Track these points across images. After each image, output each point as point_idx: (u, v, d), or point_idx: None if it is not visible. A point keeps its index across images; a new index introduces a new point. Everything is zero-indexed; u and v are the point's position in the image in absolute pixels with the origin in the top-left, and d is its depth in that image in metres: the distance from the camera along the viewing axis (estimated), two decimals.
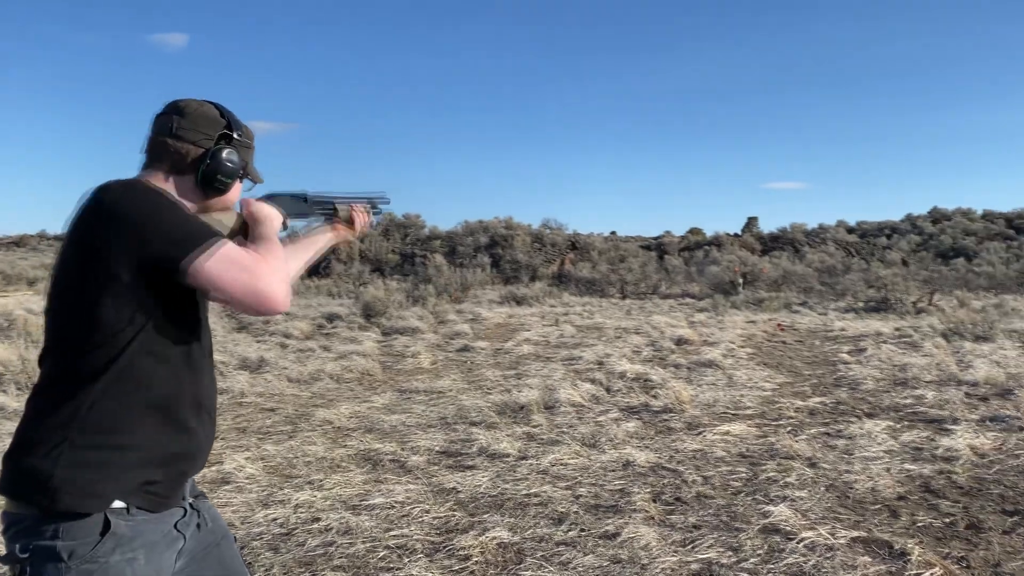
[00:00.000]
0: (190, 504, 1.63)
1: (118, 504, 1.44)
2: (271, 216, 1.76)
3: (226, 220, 1.71)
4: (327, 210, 1.98)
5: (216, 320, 12.29)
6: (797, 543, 3.53)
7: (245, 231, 1.74)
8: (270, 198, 1.84)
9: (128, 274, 1.42)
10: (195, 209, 1.65)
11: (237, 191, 1.73)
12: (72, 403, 1.43)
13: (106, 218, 1.42)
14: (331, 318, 13.06)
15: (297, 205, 1.91)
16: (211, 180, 1.62)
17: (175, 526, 1.56)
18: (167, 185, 1.61)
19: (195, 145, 1.61)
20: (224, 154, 1.62)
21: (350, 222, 2.02)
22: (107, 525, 1.42)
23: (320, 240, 1.98)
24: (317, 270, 25.74)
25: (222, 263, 1.44)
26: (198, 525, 1.64)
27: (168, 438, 1.52)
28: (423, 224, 30.49)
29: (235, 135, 1.66)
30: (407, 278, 21.67)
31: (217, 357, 8.78)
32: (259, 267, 1.48)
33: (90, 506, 1.42)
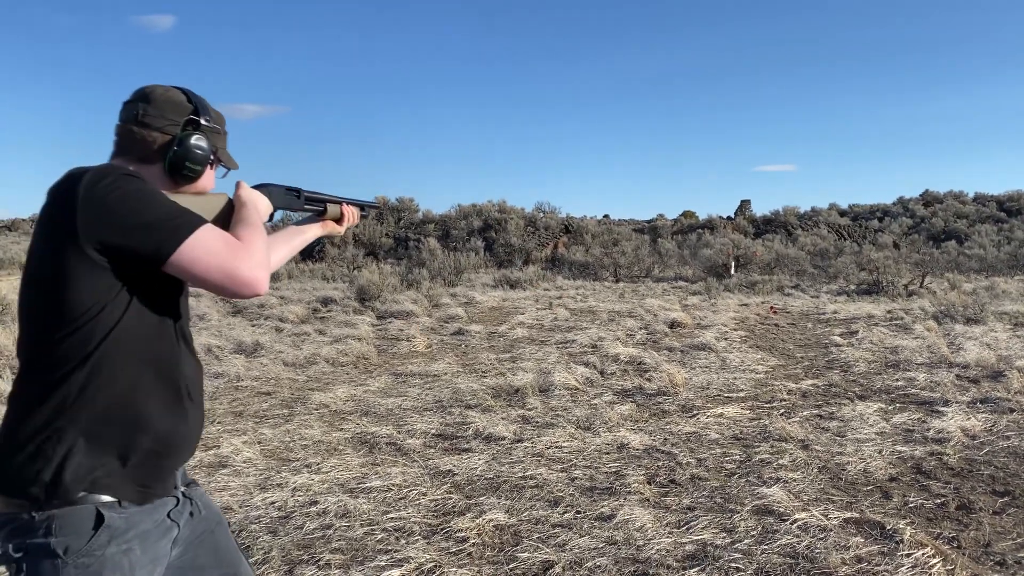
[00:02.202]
0: (182, 492, 1.62)
1: (108, 498, 1.43)
2: (258, 202, 1.74)
3: (212, 203, 1.68)
4: (317, 207, 2.02)
5: (211, 304, 12.28)
6: (790, 524, 3.57)
7: (231, 215, 1.71)
8: (264, 187, 1.83)
9: (103, 259, 1.40)
10: None
11: (210, 178, 1.69)
12: (56, 395, 1.41)
13: (81, 202, 1.38)
14: (326, 302, 13.05)
15: (289, 199, 1.92)
16: (179, 167, 1.59)
17: (168, 515, 1.55)
18: (137, 173, 1.56)
19: (161, 132, 1.58)
20: (192, 140, 1.59)
21: (339, 219, 2.07)
22: (100, 518, 1.42)
23: (308, 232, 2.02)
24: (311, 254, 25.67)
25: (200, 248, 1.42)
26: (191, 513, 1.63)
27: (156, 424, 1.49)
28: (417, 208, 30.41)
29: (203, 120, 1.62)
30: (401, 262, 21.64)
31: (212, 341, 8.78)
32: (238, 251, 1.46)
33: (83, 496, 1.41)
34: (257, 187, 1.81)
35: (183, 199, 1.57)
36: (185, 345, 1.60)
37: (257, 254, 1.49)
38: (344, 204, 2.07)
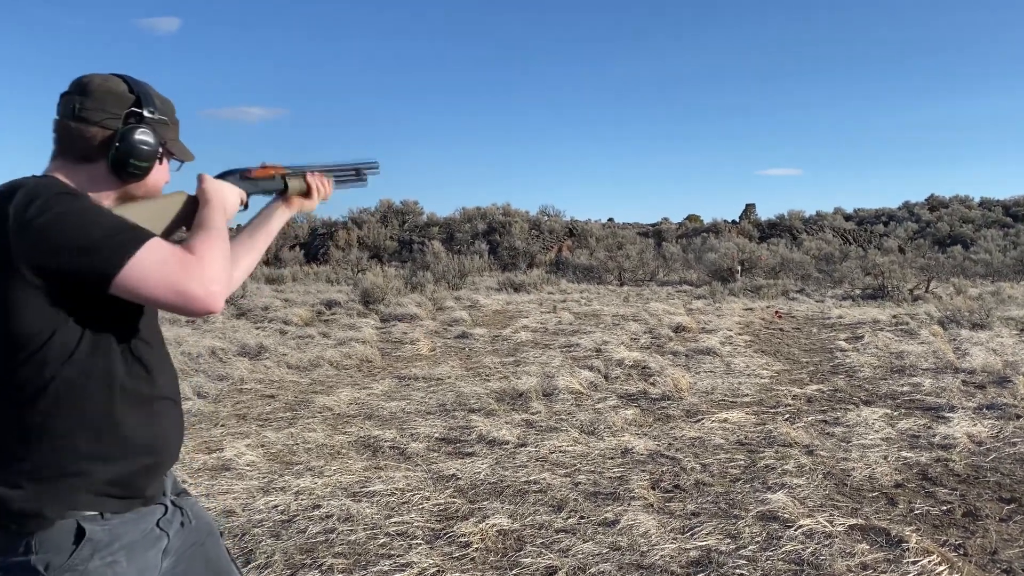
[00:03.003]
0: (172, 501, 1.56)
1: (89, 512, 1.39)
2: (226, 196, 1.59)
3: (168, 204, 1.55)
4: (276, 185, 1.80)
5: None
6: (795, 530, 3.55)
7: (193, 213, 1.56)
8: (229, 174, 1.70)
9: (45, 285, 1.31)
10: (115, 197, 1.50)
11: (162, 173, 1.55)
12: (20, 422, 1.36)
13: (12, 228, 1.29)
14: (330, 305, 13.06)
15: (247, 183, 1.73)
16: (124, 165, 1.45)
17: (157, 524, 1.50)
18: (78, 174, 1.46)
19: (101, 127, 1.44)
20: (135, 136, 1.45)
21: (306, 194, 1.84)
22: (80, 532, 1.37)
23: (273, 220, 1.81)
24: (315, 257, 25.71)
25: (145, 266, 1.30)
26: (182, 523, 1.57)
27: (127, 437, 1.43)
28: (421, 211, 30.48)
29: (146, 112, 1.48)
30: (405, 265, 21.66)
31: (216, 344, 8.78)
32: (190, 266, 1.34)
33: (61, 514, 1.36)
34: (222, 175, 1.69)
35: (133, 206, 1.48)
36: (151, 350, 1.51)
37: (211, 267, 1.36)
38: (308, 175, 1.84)
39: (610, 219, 43.86)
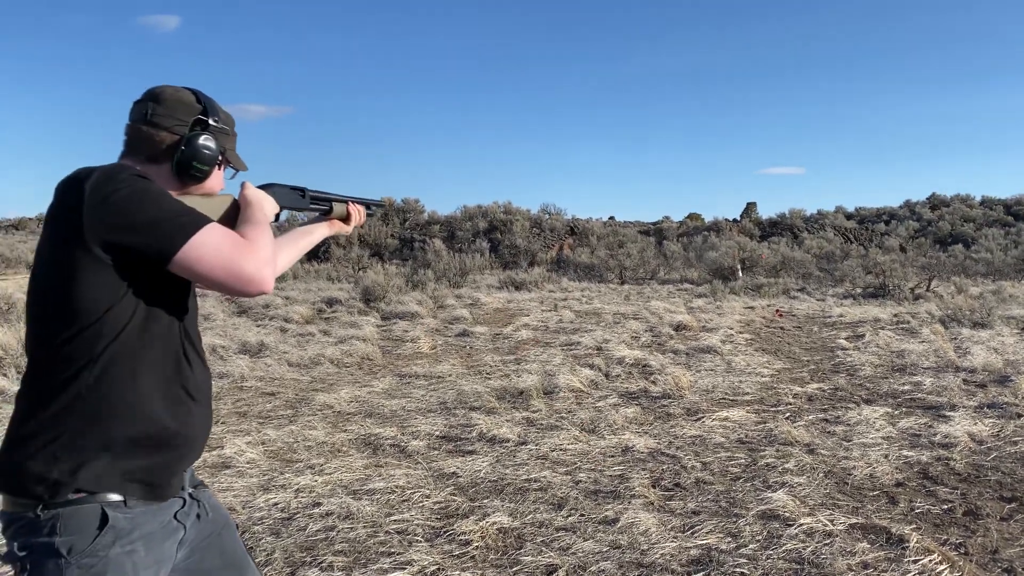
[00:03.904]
0: (190, 494, 1.62)
1: (114, 497, 1.43)
2: (264, 202, 1.73)
3: (218, 203, 1.68)
4: (323, 207, 2.03)
5: (216, 304, 12.29)
6: (796, 529, 3.55)
7: (237, 216, 1.71)
8: (269, 187, 1.83)
9: (109, 259, 1.40)
10: (175, 197, 1.59)
11: (218, 179, 1.69)
12: (63, 395, 1.42)
13: (87, 202, 1.38)
14: (331, 302, 13.06)
15: (294, 198, 1.92)
16: (187, 167, 1.59)
17: (175, 516, 1.55)
18: (144, 173, 1.55)
19: (170, 132, 1.58)
20: (200, 141, 1.59)
21: (345, 218, 2.08)
22: (104, 518, 1.41)
23: (316, 232, 2.03)
24: (316, 255, 25.69)
25: (205, 246, 1.42)
26: (198, 515, 1.63)
27: (163, 426, 1.49)
28: (422, 209, 30.44)
29: (211, 121, 1.62)
30: (406, 263, 21.64)
31: (217, 341, 8.78)
32: (243, 249, 1.46)
33: (89, 495, 1.41)
34: (262, 187, 1.81)
35: (190, 200, 1.57)
36: (192, 346, 1.60)
37: (262, 252, 1.49)
38: (350, 203, 2.07)
39: (611, 217, 43.89)
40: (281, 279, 18.96)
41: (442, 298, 13.56)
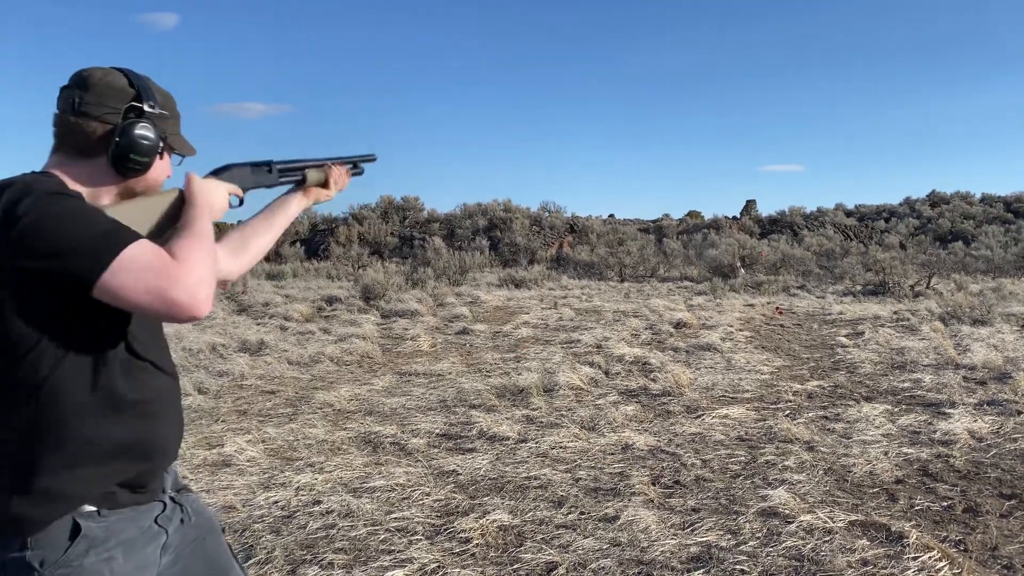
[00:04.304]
0: (171, 498, 1.56)
1: (87, 507, 1.38)
2: (212, 195, 1.57)
3: (158, 203, 1.52)
4: (295, 177, 1.85)
5: (216, 302, 12.27)
6: (795, 526, 3.55)
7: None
8: (225, 170, 1.68)
9: (30, 288, 1.30)
10: (116, 193, 1.49)
11: (164, 168, 1.54)
12: (10, 424, 1.35)
13: (3, 228, 1.28)
14: (330, 301, 13.06)
15: (259, 176, 1.75)
16: (124, 160, 1.43)
17: (155, 521, 1.49)
18: (77, 169, 1.44)
19: (100, 121, 1.43)
20: (136, 130, 1.43)
21: (324, 184, 1.90)
22: (76, 528, 1.36)
23: (291, 206, 1.86)
24: (316, 253, 25.71)
25: (127, 271, 1.27)
26: (181, 520, 1.57)
27: (118, 441, 1.41)
28: (422, 207, 30.46)
29: (147, 106, 1.46)
30: (406, 261, 21.65)
31: (217, 339, 8.79)
32: (171, 271, 1.30)
33: (59, 513, 1.36)
34: (218, 171, 1.67)
35: (128, 204, 1.47)
36: (141, 357, 1.47)
37: (195, 271, 1.32)
38: (328, 165, 1.89)
39: (611, 215, 43.75)
40: (280, 277, 18.96)
41: (442, 296, 13.56)
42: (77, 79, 1.45)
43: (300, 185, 1.87)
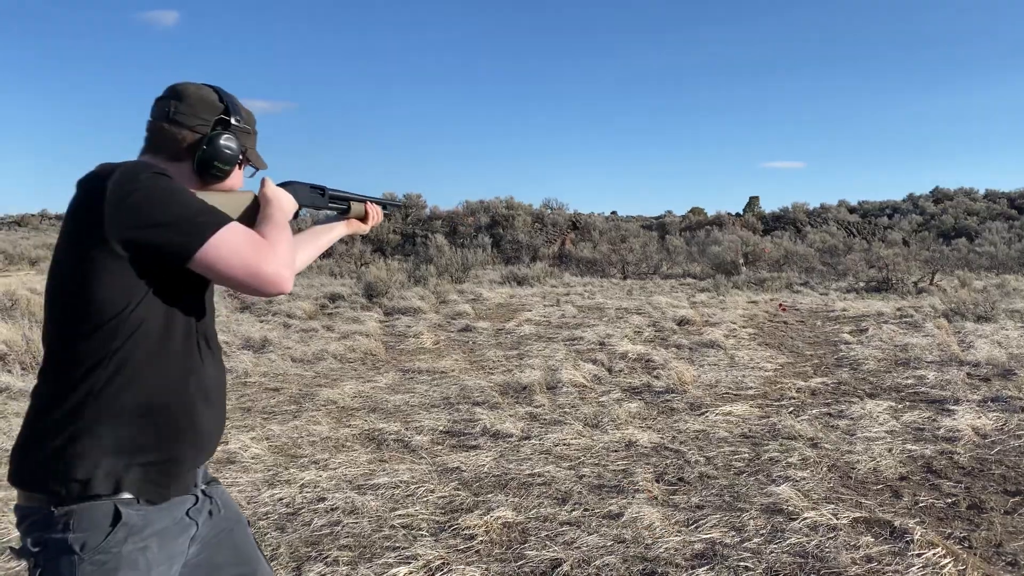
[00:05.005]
0: (202, 491, 1.62)
1: (127, 494, 1.44)
2: (283, 200, 1.73)
3: (239, 200, 1.68)
4: (341, 206, 2.04)
5: (219, 300, 12.30)
6: (800, 523, 3.55)
7: (256, 213, 1.71)
8: (288, 185, 1.83)
9: (128, 257, 1.40)
10: None
11: (238, 178, 1.69)
12: (79, 391, 1.41)
13: (109, 199, 1.38)
14: (334, 298, 13.06)
15: (314, 197, 1.92)
16: (208, 167, 1.59)
17: (187, 513, 1.55)
18: (166, 171, 1.56)
19: (192, 131, 1.58)
20: (221, 141, 1.59)
21: (363, 218, 2.10)
22: (117, 515, 1.42)
23: (334, 230, 2.06)
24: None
25: (224, 246, 1.42)
26: (210, 512, 1.63)
27: (175, 425, 1.50)
28: (424, 204, 30.43)
29: (233, 120, 1.62)
30: (409, 258, 21.64)
31: (221, 337, 8.78)
32: (263, 249, 1.46)
33: (103, 492, 1.41)
34: (282, 185, 1.81)
35: (210, 197, 1.57)
36: (207, 346, 1.60)
37: (281, 252, 1.50)
38: (368, 203, 2.09)
39: (613, 212, 43.83)
40: None
41: (444, 293, 13.57)
42: (173, 91, 1.60)
43: (344, 214, 2.07)
